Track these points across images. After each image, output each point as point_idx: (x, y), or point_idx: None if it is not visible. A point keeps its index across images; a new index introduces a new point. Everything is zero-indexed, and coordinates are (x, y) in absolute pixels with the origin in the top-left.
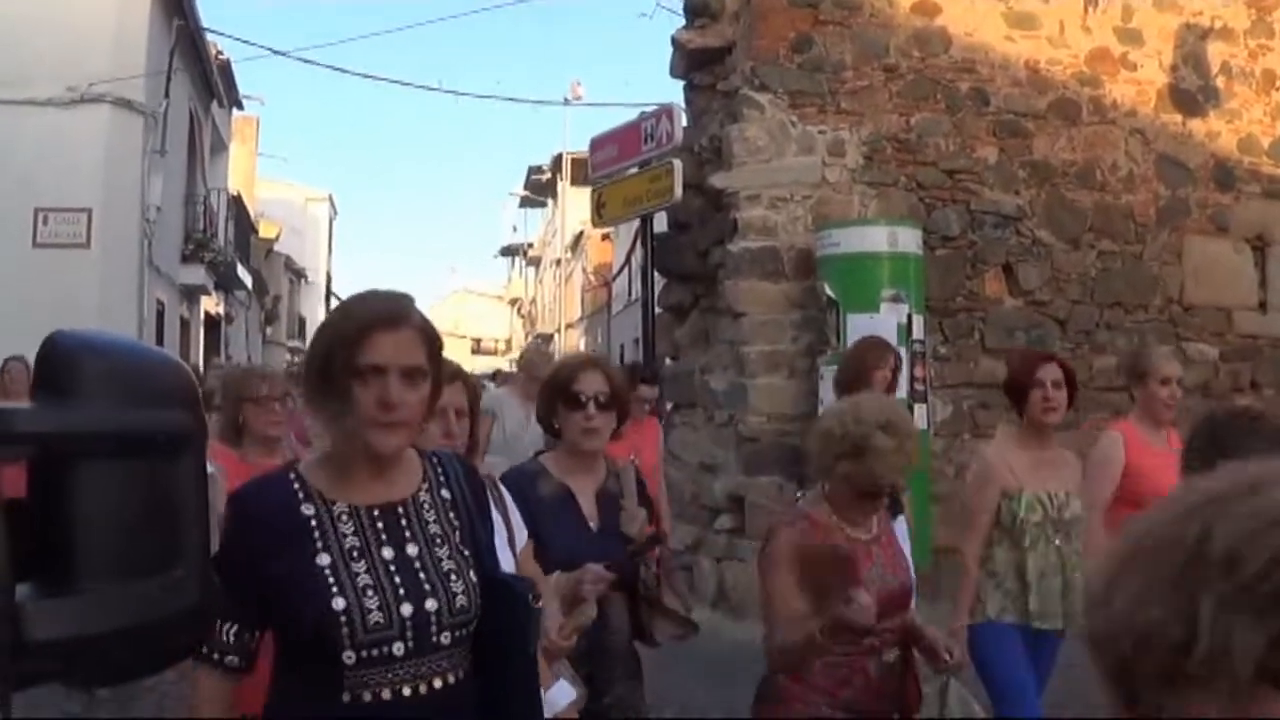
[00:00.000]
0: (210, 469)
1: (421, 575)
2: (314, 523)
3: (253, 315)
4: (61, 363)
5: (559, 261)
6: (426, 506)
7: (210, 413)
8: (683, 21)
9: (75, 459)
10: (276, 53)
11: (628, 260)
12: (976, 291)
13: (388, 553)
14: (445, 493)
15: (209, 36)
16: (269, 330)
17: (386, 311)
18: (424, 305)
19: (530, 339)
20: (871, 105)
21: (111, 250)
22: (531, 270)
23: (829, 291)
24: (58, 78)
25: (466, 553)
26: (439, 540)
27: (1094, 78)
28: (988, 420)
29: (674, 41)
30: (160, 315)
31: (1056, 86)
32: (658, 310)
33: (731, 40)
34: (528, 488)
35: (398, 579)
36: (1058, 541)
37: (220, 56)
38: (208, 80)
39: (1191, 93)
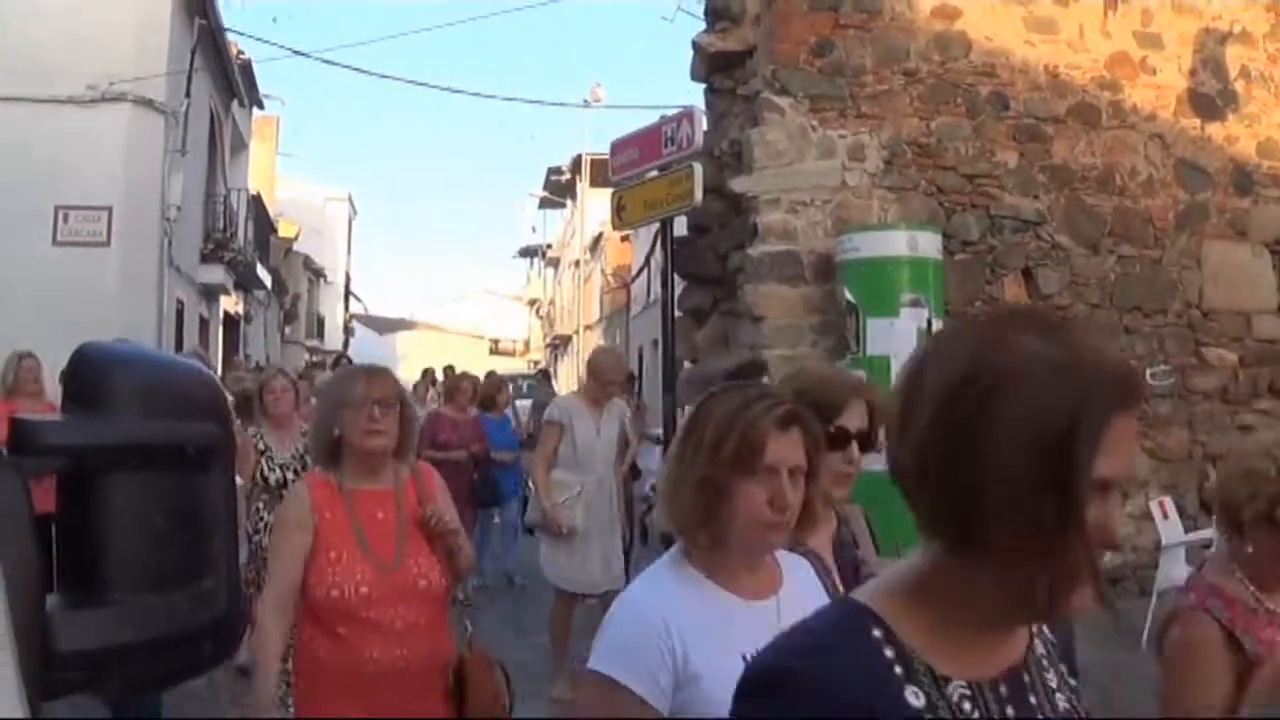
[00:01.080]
0: (239, 481)
1: None
2: None
3: (271, 314)
4: (91, 375)
5: (578, 263)
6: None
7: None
8: (703, 25)
9: (105, 471)
10: (298, 53)
11: (647, 262)
12: (996, 296)
13: None
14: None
15: (230, 36)
16: (288, 330)
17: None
18: (442, 306)
19: (597, 345)
20: (892, 109)
21: (131, 249)
22: (550, 271)
23: (849, 296)
24: (79, 76)
25: None
26: None
27: (1113, 82)
28: None
29: (695, 45)
30: (179, 314)
31: (1076, 91)
32: (677, 314)
33: (752, 44)
34: None
35: None
36: None
37: (241, 56)
38: (229, 80)
39: (1210, 97)
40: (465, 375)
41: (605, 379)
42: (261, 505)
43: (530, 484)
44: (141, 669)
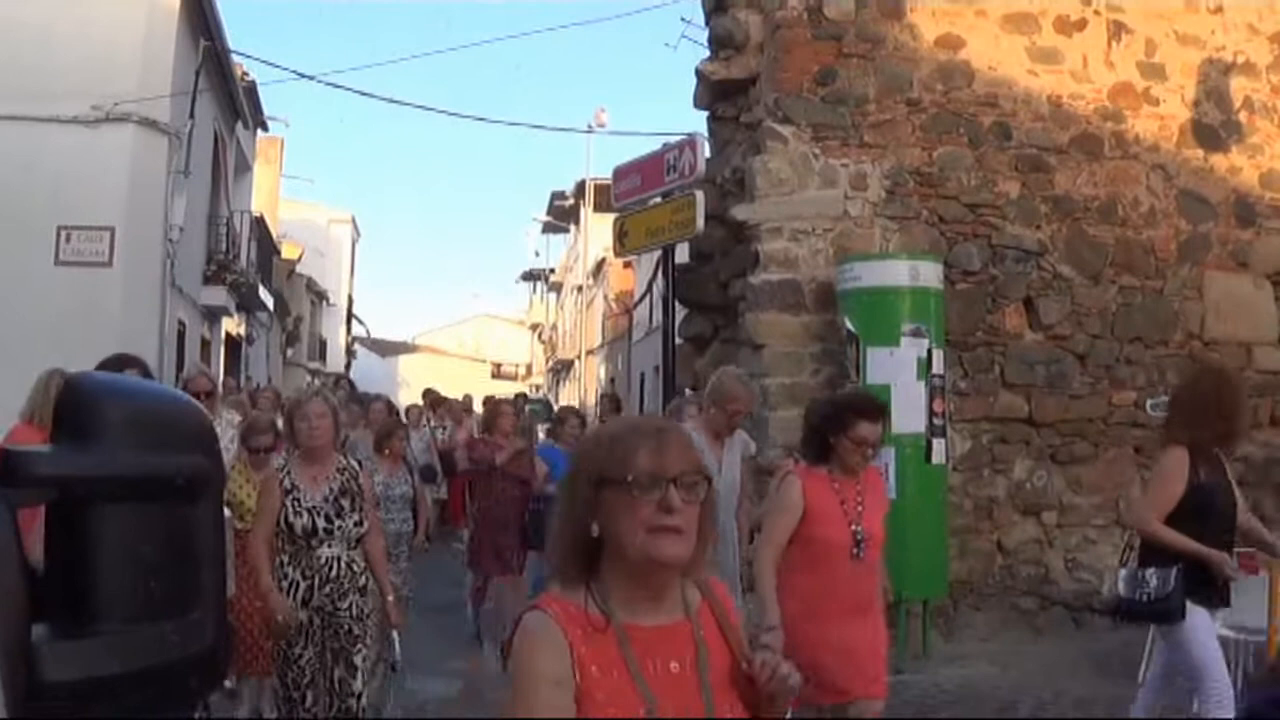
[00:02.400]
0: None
1: None
2: None
3: (274, 336)
4: (81, 406)
5: (580, 288)
6: None
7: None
8: (707, 53)
9: (94, 502)
10: (303, 76)
11: (649, 288)
12: (997, 326)
13: None
14: None
15: (235, 58)
16: (290, 352)
17: None
18: (444, 329)
19: (722, 368)
20: (894, 139)
21: (133, 269)
22: (553, 296)
23: (849, 325)
24: (83, 96)
25: None
26: None
27: (1116, 112)
28: (1006, 455)
29: (698, 73)
30: (181, 335)
31: (1079, 121)
32: (678, 341)
33: (755, 72)
34: None
35: None
36: None
37: (246, 78)
38: (233, 101)
39: (1213, 128)
40: (505, 401)
41: (732, 407)
42: (285, 560)
43: None
44: (128, 700)
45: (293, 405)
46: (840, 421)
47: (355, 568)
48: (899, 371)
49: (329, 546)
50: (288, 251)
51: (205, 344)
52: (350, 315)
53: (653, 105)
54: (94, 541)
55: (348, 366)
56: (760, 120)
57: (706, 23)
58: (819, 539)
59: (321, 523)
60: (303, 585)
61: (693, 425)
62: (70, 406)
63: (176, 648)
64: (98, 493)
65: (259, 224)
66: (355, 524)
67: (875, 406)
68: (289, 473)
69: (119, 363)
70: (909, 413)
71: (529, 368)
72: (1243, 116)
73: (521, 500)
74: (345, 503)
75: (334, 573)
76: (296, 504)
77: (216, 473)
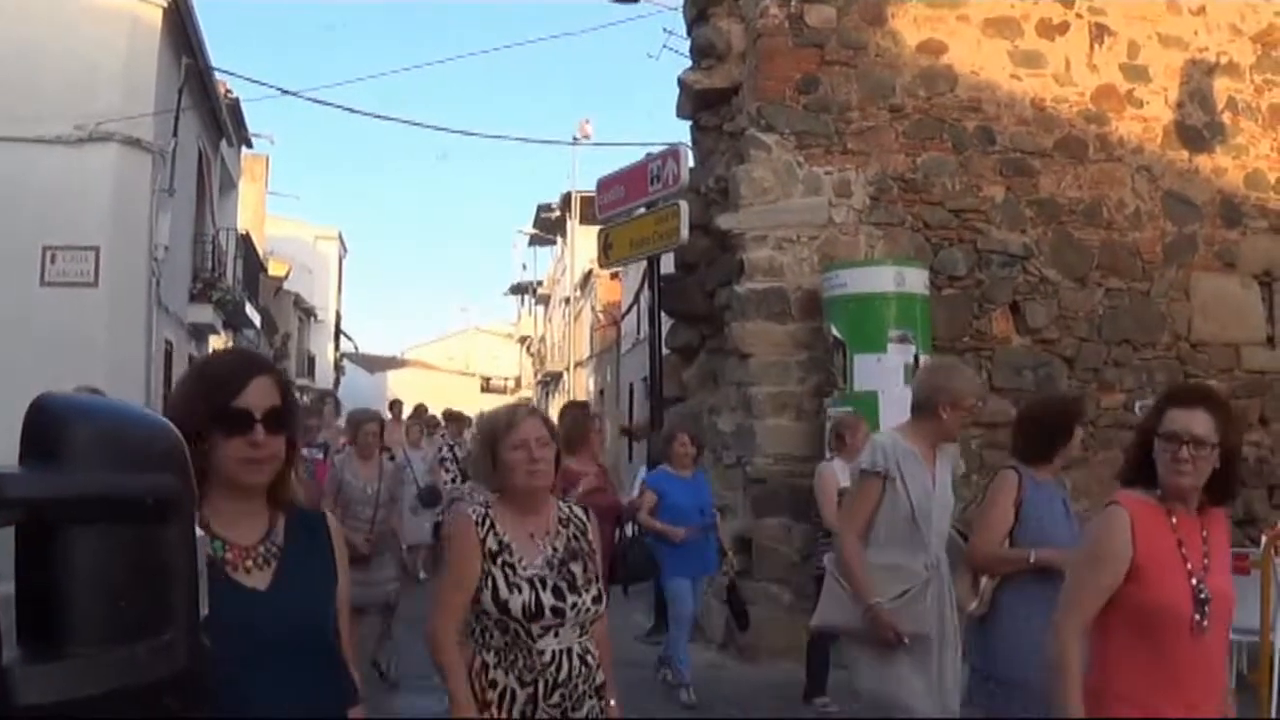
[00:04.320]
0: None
1: None
2: None
3: (262, 353)
4: (50, 427)
5: (568, 300)
6: None
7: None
8: (689, 63)
9: (63, 523)
10: (286, 92)
11: (636, 299)
12: (984, 331)
13: None
14: None
15: (218, 75)
16: None
17: None
18: (432, 344)
19: (938, 359)
20: (877, 145)
21: (119, 289)
22: (541, 308)
23: (835, 332)
24: (67, 116)
25: None
26: None
27: (1100, 115)
28: (995, 460)
29: (680, 82)
30: (168, 355)
31: (1063, 124)
32: (665, 351)
33: (738, 81)
34: None
35: None
36: None
37: (229, 95)
38: (217, 119)
39: (1198, 129)
40: (591, 414)
41: (964, 403)
42: (491, 658)
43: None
44: None
45: (494, 426)
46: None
47: (590, 661)
48: (886, 378)
49: (556, 636)
50: (274, 268)
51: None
52: (338, 331)
53: (638, 116)
54: (64, 563)
55: (336, 383)
56: (743, 129)
57: (688, 32)
58: (1151, 605)
59: (549, 599)
60: (521, 695)
61: (900, 431)
62: (38, 427)
63: (149, 669)
64: (67, 514)
65: (245, 241)
66: (594, 600)
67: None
68: (492, 525)
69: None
70: (897, 419)
71: (518, 380)
72: (1226, 117)
73: (608, 535)
74: (576, 569)
75: (565, 673)
76: (510, 572)
77: (187, 493)
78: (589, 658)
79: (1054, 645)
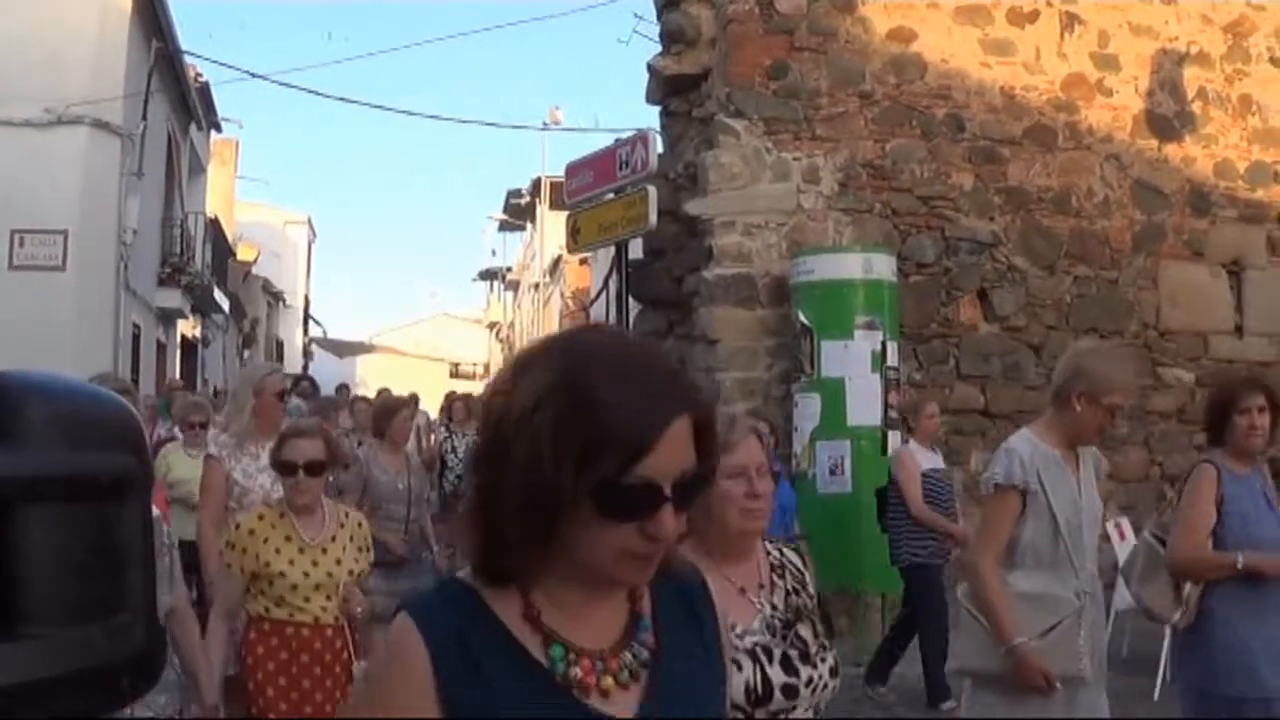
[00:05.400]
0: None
1: None
2: None
3: (230, 338)
4: (4, 405)
5: (537, 285)
6: None
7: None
8: (659, 48)
9: (18, 503)
10: (255, 75)
11: (605, 285)
12: (951, 318)
13: None
14: None
15: (187, 59)
16: (247, 354)
17: None
18: (402, 329)
19: (1083, 343)
20: (847, 132)
21: (87, 273)
22: (510, 294)
23: (803, 319)
24: (35, 99)
25: None
26: None
27: (1070, 103)
28: (962, 446)
29: (650, 68)
30: (136, 338)
31: (1032, 112)
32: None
33: (707, 67)
34: None
35: None
36: None
37: (199, 79)
38: (186, 102)
39: (1167, 118)
40: None
41: (1111, 400)
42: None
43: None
44: (58, 704)
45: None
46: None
47: None
48: (853, 365)
49: None
50: (243, 253)
51: (161, 347)
52: (307, 316)
53: (609, 102)
54: (18, 543)
55: (305, 368)
56: (712, 114)
57: (658, 18)
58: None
59: (779, 676)
60: None
61: (1036, 433)
62: None
63: (107, 650)
64: (21, 493)
65: (214, 226)
66: (831, 672)
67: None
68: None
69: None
70: (864, 406)
71: (487, 366)
72: (1196, 107)
73: None
74: (806, 633)
75: None
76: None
77: (143, 472)
78: None
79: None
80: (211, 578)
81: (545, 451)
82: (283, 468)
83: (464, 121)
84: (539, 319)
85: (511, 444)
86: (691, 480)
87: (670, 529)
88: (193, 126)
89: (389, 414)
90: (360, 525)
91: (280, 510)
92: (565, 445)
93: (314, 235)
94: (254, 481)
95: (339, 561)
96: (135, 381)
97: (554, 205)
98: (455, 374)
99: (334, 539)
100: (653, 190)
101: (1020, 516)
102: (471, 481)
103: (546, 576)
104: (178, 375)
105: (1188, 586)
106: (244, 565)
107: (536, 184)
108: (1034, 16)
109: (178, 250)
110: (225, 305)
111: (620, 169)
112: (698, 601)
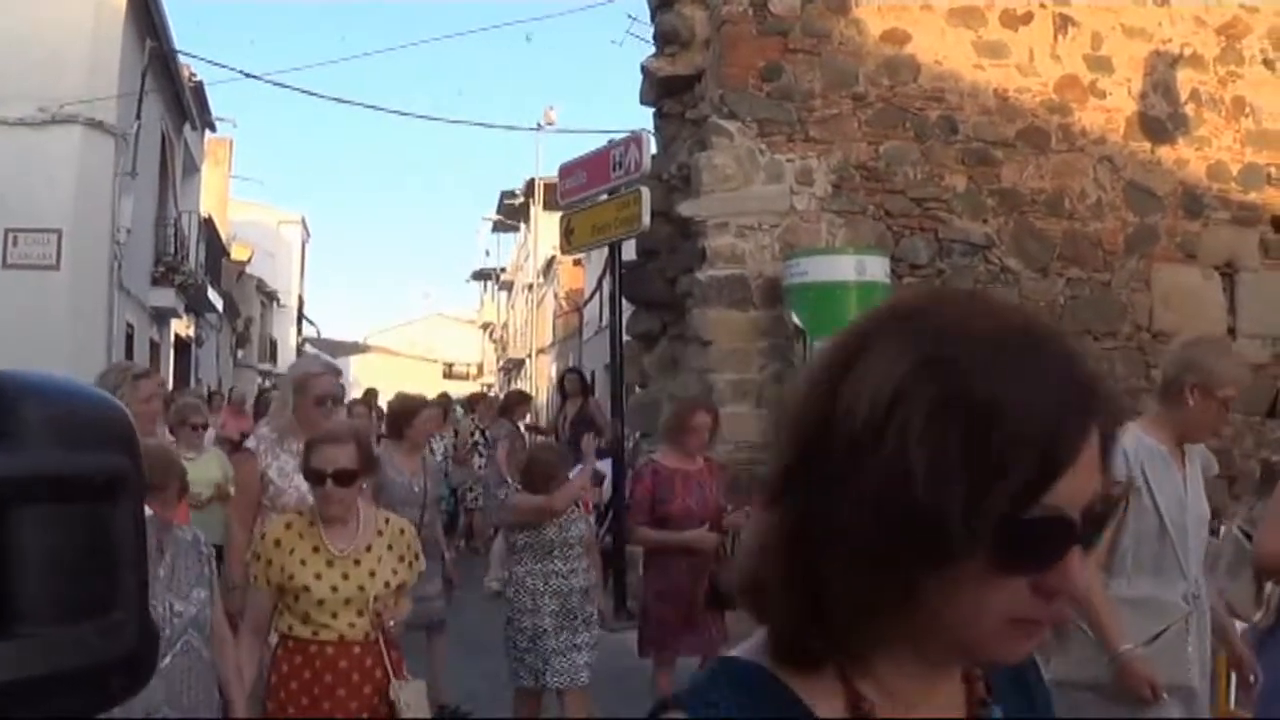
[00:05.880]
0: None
1: None
2: None
3: (224, 338)
4: None
5: (531, 286)
6: None
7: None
8: (653, 49)
9: (11, 502)
10: (249, 75)
11: (599, 286)
12: None
13: None
14: None
15: (182, 59)
16: (240, 353)
17: None
18: (396, 329)
19: (1193, 338)
20: (840, 133)
21: (81, 272)
22: (504, 295)
23: (796, 320)
24: (30, 98)
25: None
26: None
27: (1063, 105)
28: None
29: (644, 69)
30: (130, 338)
31: (1025, 114)
32: (626, 338)
33: (701, 68)
34: None
35: None
36: None
37: (193, 79)
38: (180, 102)
39: (1161, 120)
40: (699, 401)
41: (1224, 393)
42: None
43: None
44: (50, 703)
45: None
46: None
47: None
48: None
49: None
50: (237, 253)
51: (154, 346)
52: (301, 316)
53: (603, 103)
54: (12, 542)
55: None
56: (706, 116)
57: (652, 19)
58: None
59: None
60: None
61: (1143, 427)
62: None
63: (99, 650)
64: (15, 493)
65: (207, 225)
66: None
67: None
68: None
69: None
70: None
71: (480, 367)
72: (1190, 109)
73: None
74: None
75: None
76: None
77: (137, 472)
78: None
79: None
80: (234, 582)
81: (918, 469)
82: (311, 476)
83: (457, 122)
84: (533, 320)
85: (854, 458)
86: (1100, 511)
87: (1081, 580)
88: (187, 126)
89: (409, 415)
90: (403, 533)
91: (310, 518)
92: (954, 461)
93: (308, 235)
94: (289, 482)
95: (373, 574)
96: None
97: (548, 206)
98: (449, 374)
99: (369, 549)
100: (646, 191)
101: (1121, 516)
102: (773, 518)
103: (880, 656)
104: (171, 375)
105: (1269, 586)
106: (270, 577)
107: (530, 185)
108: (1027, 19)
109: (172, 250)
110: (219, 305)
111: (614, 170)
112: (1030, 685)
